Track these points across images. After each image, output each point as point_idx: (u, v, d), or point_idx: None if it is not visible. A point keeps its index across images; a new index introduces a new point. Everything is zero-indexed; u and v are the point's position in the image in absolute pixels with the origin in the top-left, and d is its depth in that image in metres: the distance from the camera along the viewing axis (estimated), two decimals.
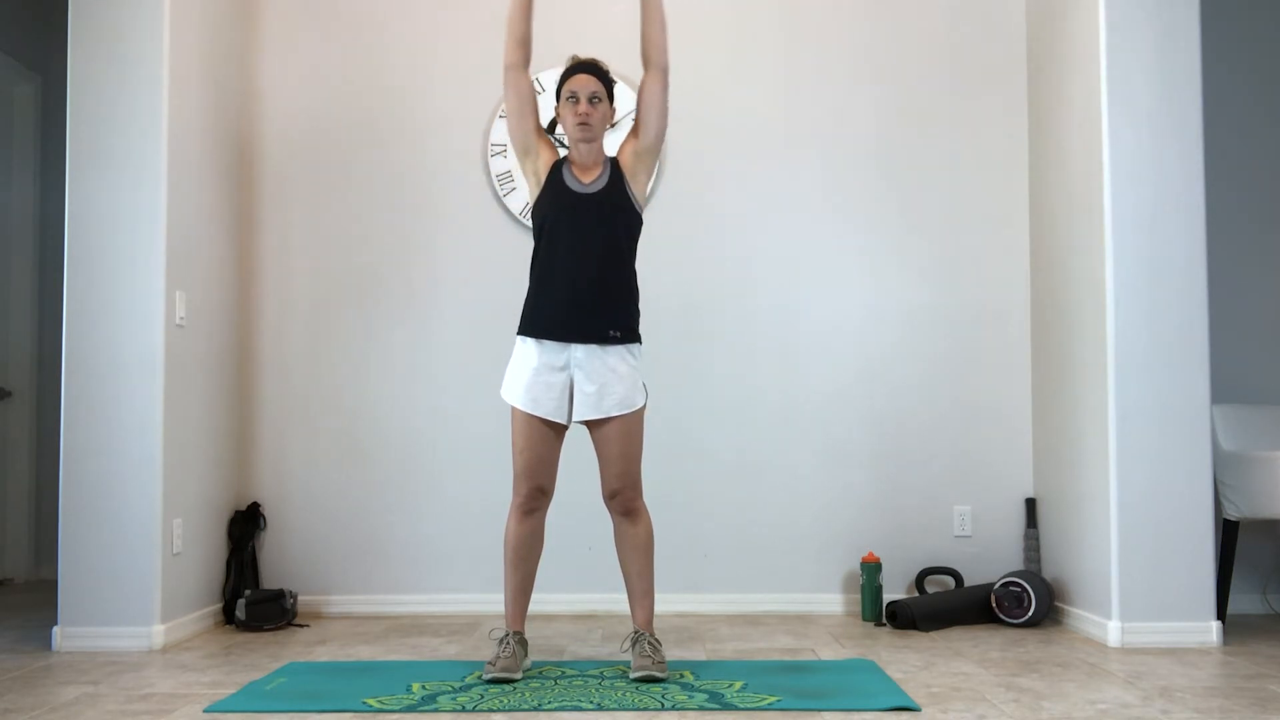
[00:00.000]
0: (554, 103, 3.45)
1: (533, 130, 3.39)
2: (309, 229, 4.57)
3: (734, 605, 4.44)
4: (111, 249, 3.82)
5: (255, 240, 4.57)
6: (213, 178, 4.26)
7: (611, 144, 3.79)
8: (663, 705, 2.93)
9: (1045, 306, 4.38)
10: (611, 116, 3.44)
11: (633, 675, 3.22)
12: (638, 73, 4.49)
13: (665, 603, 4.22)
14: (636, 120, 3.40)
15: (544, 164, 3.38)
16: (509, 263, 4.37)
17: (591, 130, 3.34)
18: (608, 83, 3.39)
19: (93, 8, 3.86)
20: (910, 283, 4.54)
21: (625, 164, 3.39)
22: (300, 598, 4.40)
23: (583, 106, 3.33)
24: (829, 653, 3.68)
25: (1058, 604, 4.21)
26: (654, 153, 3.43)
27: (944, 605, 4.16)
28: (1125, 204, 3.83)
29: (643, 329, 3.42)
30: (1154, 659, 3.54)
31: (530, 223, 4.33)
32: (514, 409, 3.33)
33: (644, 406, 3.35)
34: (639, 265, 3.43)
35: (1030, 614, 4.08)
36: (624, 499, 3.35)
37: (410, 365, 4.54)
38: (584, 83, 3.34)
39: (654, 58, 3.38)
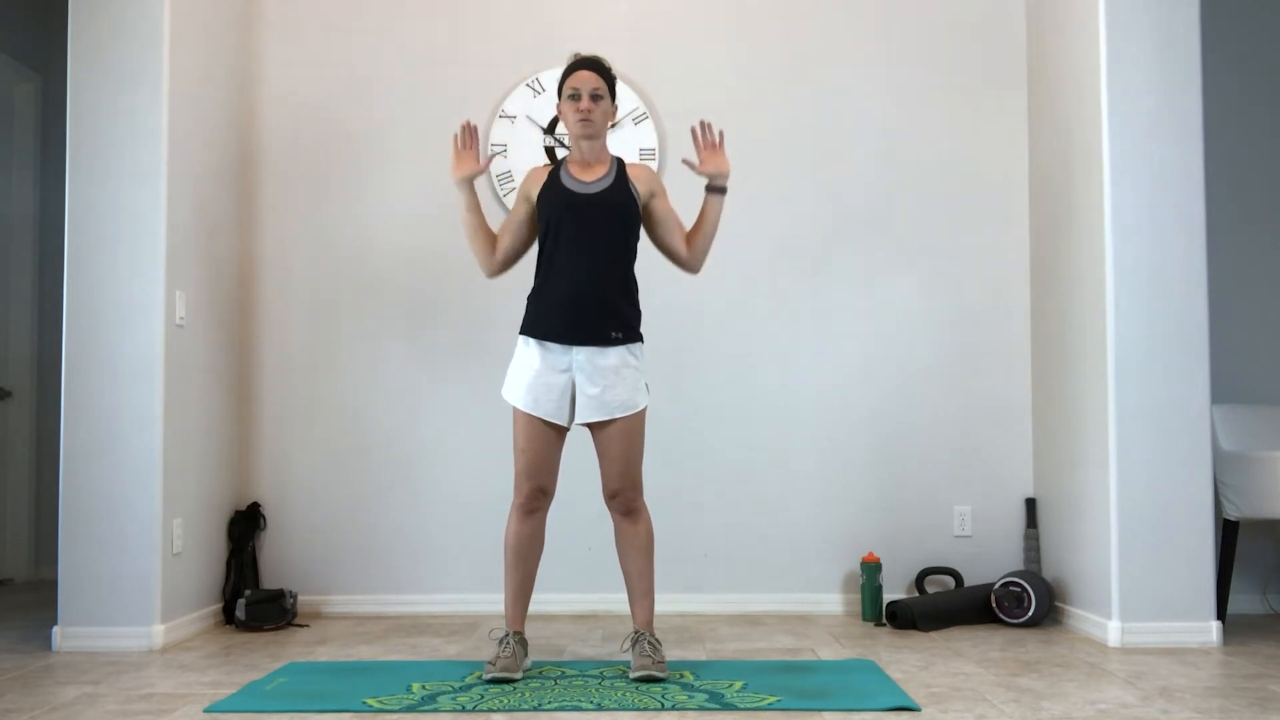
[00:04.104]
0: (555, 100, 3.46)
1: (529, 213, 3.43)
2: (309, 229, 4.57)
3: (734, 605, 4.44)
4: (111, 249, 3.82)
5: (255, 240, 4.57)
6: (213, 177, 4.26)
7: (612, 144, 3.80)
8: (663, 705, 2.93)
9: (1045, 306, 4.38)
10: (613, 114, 3.44)
11: (633, 675, 3.22)
12: (639, 73, 4.53)
13: (665, 603, 4.22)
14: (667, 223, 3.44)
15: (535, 188, 3.41)
16: None
17: (593, 126, 3.35)
18: (609, 79, 3.39)
19: (93, 8, 3.86)
20: (911, 283, 4.54)
21: (638, 183, 3.39)
22: (300, 598, 4.40)
23: (584, 103, 3.33)
24: (829, 653, 3.68)
25: (1058, 604, 4.21)
26: (653, 212, 3.46)
27: (944, 605, 4.16)
28: (1125, 204, 3.83)
29: (643, 329, 3.42)
30: (1154, 659, 3.54)
31: None
32: (515, 409, 3.33)
33: (645, 407, 3.36)
34: (640, 265, 3.43)
35: (1030, 614, 4.08)
36: (625, 499, 3.35)
37: (410, 365, 4.53)
38: (586, 79, 3.35)
39: (691, 265, 3.49)
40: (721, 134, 3.44)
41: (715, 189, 3.43)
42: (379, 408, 4.53)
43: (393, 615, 4.41)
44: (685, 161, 3.47)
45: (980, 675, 3.31)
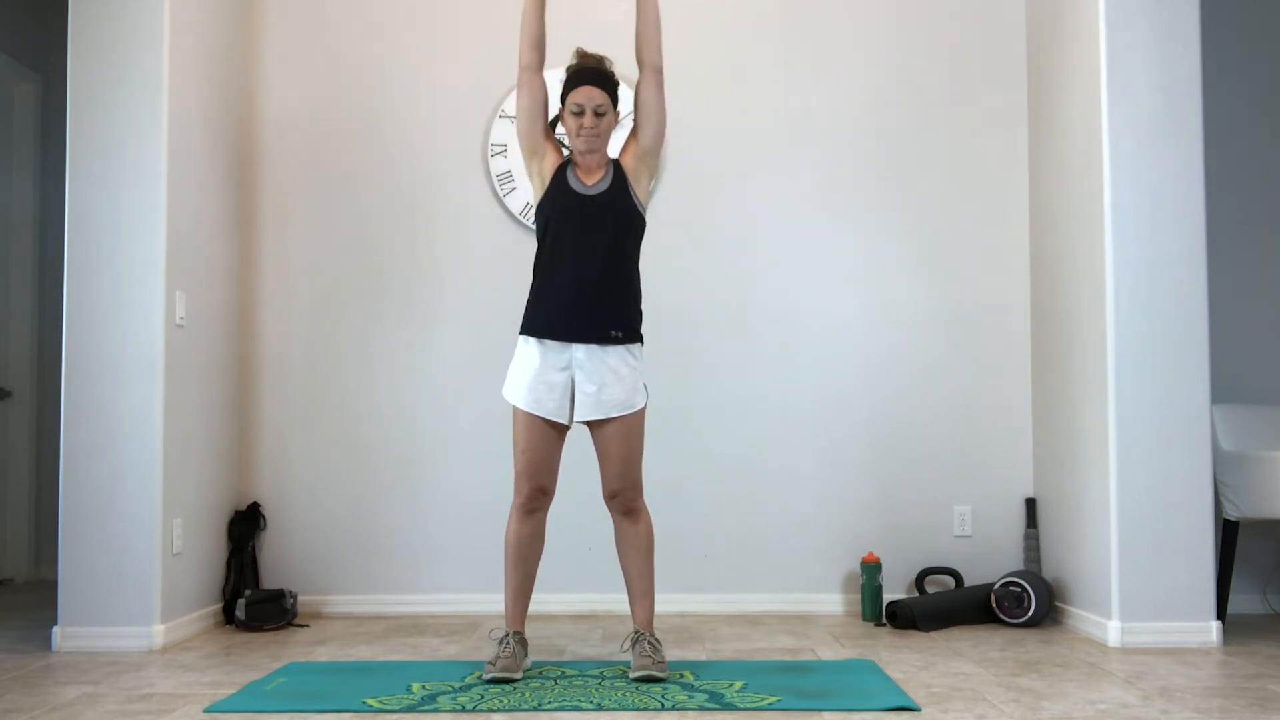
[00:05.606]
0: (558, 104, 3.44)
1: (542, 132, 3.39)
2: (309, 229, 4.57)
3: (734, 605, 4.44)
4: (111, 249, 3.82)
5: (255, 240, 4.57)
6: (213, 178, 4.26)
7: (613, 144, 3.79)
8: (663, 705, 2.93)
9: (1045, 306, 4.38)
10: (616, 121, 3.43)
11: (633, 675, 3.22)
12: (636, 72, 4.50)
13: (665, 603, 4.21)
14: (636, 123, 3.40)
15: (549, 166, 3.38)
16: (509, 262, 4.38)
17: (597, 141, 3.34)
18: (612, 87, 3.37)
19: (93, 8, 3.85)
20: (910, 282, 4.54)
21: (627, 166, 3.39)
22: (300, 598, 4.40)
23: (588, 120, 3.32)
24: (829, 653, 3.68)
25: (1058, 604, 4.21)
26: (655, 153, 3.43)
27: (944, 605, 4.16)
28: (1125, 204, 3.83)
29: (644, 330, 3.41)
30: (1154, 659, 3.54)
31: (530, 222, 4.36)
32: (515, 409, 3.33)
33: (644, 407, 3.36)
34: (641, 267, 3.42)
35: (1030, 614, 4.08)
36: (624, 499, 3.35)
37: (410, 365, 4.54)
38: (589, 95, 3.32)
39: (648, 58, 3.39)
40: None
41: None
42: (379, 407, 4.53)
43: (393, 615, 4.41)
44: None
45: (980, 675, 3.31)
